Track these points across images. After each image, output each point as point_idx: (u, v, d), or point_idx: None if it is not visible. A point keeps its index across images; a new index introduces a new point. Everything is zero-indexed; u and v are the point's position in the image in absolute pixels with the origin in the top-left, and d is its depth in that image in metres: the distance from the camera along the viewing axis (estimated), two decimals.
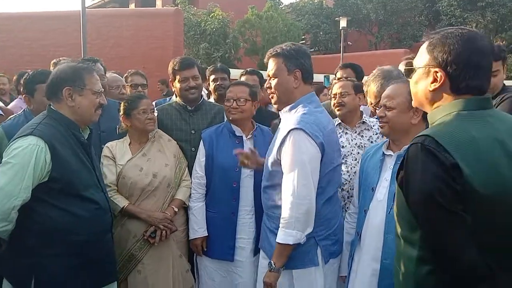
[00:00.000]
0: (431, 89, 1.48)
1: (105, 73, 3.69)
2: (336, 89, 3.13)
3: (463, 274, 1.35)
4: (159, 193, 2.86)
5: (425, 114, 2.01)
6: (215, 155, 2.92)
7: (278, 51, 2.35)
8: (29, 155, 2.03)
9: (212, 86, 4.01)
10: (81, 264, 2.20)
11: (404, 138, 2.21)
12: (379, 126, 2.34)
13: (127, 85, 4.30)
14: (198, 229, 2.93)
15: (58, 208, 2.13)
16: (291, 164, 2.21)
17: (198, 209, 2.96)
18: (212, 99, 4.06)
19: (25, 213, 2.08)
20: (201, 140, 3.00)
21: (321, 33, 24.53)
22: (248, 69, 4.08)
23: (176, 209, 2.90)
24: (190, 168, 3.07)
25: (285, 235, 2.20)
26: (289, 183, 2.21)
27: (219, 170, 2.90)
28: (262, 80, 3.83)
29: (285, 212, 2.21)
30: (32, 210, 2.10)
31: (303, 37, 23.25)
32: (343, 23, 18.99)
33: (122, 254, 2.75)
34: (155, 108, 3.15)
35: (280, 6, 21.71)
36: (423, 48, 1.52)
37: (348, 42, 22.26)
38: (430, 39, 1.51)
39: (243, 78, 3.86)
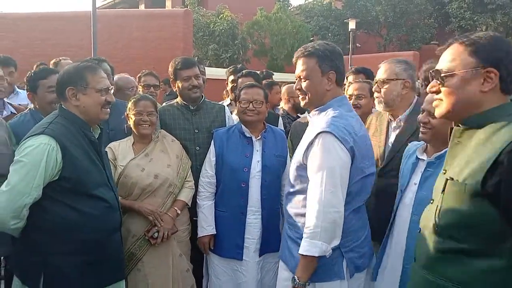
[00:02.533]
0: (485, 90, 1.47)
1: (112, 73, 3.73)
2: (352, 90, 3.14)
3: None
4: (159, 193, 2.87)
5: None
6: (225, 155, 2.96)
7: (312, 50, 2.18)
8: (41, 154, 2.06)
9: (230, 86, 4.05)
10: (90, 262, 2.22)
11: (443, 146, 2.12)
12: (421, 131, 2.22)
13: (140, 85, 4.35)
14: (207, 227, 2.96)
15: (68, 206, 2.15)
16: (318, 169, 2.06)
17: (207, 207, 2.99)
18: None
19: (36, 211, 2.11)
20: (212, 140, 3.04)
21: (329, 34, 24.48)
22: (244, 71, 4.08)
23: (179, 211, 2.92)
24: (195, 167, 3.09)
25: (309, 246, 2.03)
26: (315, 189, 2.05)
27: (228, 170, 2.93)
28: (257, 82, 3.84)
29: (310, 221, 2.05)
30: (42, 208, 2.12)
31: (312, 38, 23.18)
32: (352, 25, 18.95)
33: None
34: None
35: (289, 8, 21.70)
36: (461, 51, 1.51)
37: (357, 44, 22.20)
38: (467, 42, 1.50)
39: (239, 80, 3.90)
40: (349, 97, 3.08)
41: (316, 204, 2.04)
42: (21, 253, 2.21)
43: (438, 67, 1.56)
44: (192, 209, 3.08)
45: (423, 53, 20.83)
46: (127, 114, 2.94)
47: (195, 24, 15.91)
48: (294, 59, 2.28)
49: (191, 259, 3.11)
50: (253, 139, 2.97)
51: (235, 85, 4.01)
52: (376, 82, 2.77)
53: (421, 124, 2.22)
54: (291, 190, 2.32)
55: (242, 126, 2.99)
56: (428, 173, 2.18)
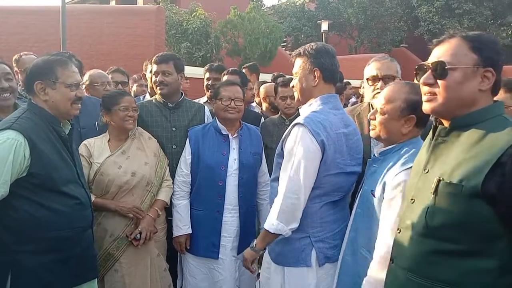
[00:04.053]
0: (483, 88, 1.46)
1: (81, 69, 3.65)
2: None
3: None
4: (137, 192, 2.83)
5: (419, 122, 1.96)
6: (201, 153, 2.93)
7: (301, 51, 2.37)
8: (8, 149, 1.98)
9: (205, 83, 4.03)
10: (60, 261, 2.16)
11: (391, 143, 2.09)
12: (370, 128, 2.24)
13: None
14: (183, 226, 2.93)
15: (37, 203, 2.09)
16: (288, 157, 2.21)
17: (182, 206, 2.95)
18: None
19: (3, 208, 2.03)
20: (188, 138, 2.99)
21: (302, 36, 24.66)
22: (230, 69, 4.07)
23: (160, 212, 2.89)
24: (171, 166, 3.05)
25: (269, 223, 2.23)
26: (283, 175, 2.22)
27: (205, 168, 2.90)
28: (243, 80, 3.84)
29: (275, 202, 2.23)
30: (10, 205, 2.05)
31: (285, 39, 23.35)
32: (324, 26, 19.14)
33: (99, 253, 2.71)
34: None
35: (262, 8, 21.75)
36: (462, 46, 1.47)
37: (324, 45, 22.43)
38: (469, 38, 1.47)
39: (225, 78, 3.89)
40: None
41: (282, 188, 2.20)
42: None
43: (439, 59, 1.50)
44: (167, 208, 3.03)
45: (393, 56, 21.12)
46: (107, 109, 2.85)
47: (168, 22, 15.72)
48: (293, 60, 2.44)
49: (166, 259, 3.08)
50: (230, 136, 2.95)
51: (209, 82, 3.98)
52: (381, 78, 2.69)
53: (370, 121, 2.21)
54: (273, 176, 2.44)
55: (219, 123, 2.96)
56: (373, 169, 2.15)
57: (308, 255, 2.27)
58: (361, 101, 4.72)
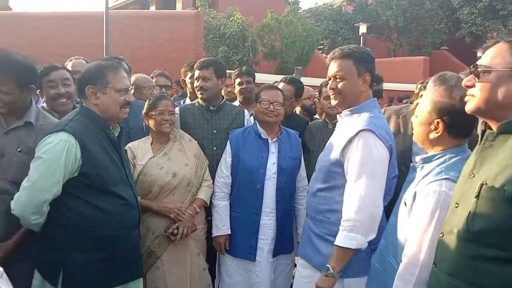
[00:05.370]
0: None
1: (129, 73, 3.76)
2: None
3: None
4: (178, 192, 2.91)
5: (452, 129, 1.82)
6: (241, 156, 2.98)
7: (348, 52, 2.26)
8: (60, 150, 2.08)
9: (237, 89, 4.00)
10: (108, 259, 2.24)
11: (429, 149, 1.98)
12: None
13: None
14: (222, 227, 2.99)
15: (87, 202, 2.17)
16: (359, 166, 2.12)
17: (222, 207, 3.01)
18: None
19: (56, 207, 2.14)
20: (228, 141, 3.07)
21: (339, 38, 24.50)
22: (288, 77, 3.99)
23: (198, 209, 2.96)
24: (212, 167, 3.12)
25: (346, 239, 2.10)
26: (356, 185, 2.11)
27: (244, 171, 2.95)
28: (298, 90, 3.79)
29: (349, 215, 2.11)
30: (62, 204, 2.15)
31: (322, 42, 23.25)
32: (362, 29, 18.96)
33: (142, 251, 2.77)
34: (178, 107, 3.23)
35: (299, 11, 21.75)
36: (504, 50, 1.49)
37: (367, 49, 22.18)
38: None
39: (280, 85, 3.77)
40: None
41: (356, 199, 2.10)
42: (41, 249, 2.23)
43: (480, 62, 1.53)
44: (207, 208, 3.11)
45: (434, 59, 20.73)
46: (146, 114, 2.98)
47: (206, 26, 15.98)
48: (328, 60, 2.34)
49: (205, 258, 3.15)
50: (269, 141, 2.99)
51: (242, 87, 3.98)
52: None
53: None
54: (322, 186, 2.36)
55: (259, 127, 3.01)
56: (411, 177, 2.03)
57: (369, 264, 2.21)
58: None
